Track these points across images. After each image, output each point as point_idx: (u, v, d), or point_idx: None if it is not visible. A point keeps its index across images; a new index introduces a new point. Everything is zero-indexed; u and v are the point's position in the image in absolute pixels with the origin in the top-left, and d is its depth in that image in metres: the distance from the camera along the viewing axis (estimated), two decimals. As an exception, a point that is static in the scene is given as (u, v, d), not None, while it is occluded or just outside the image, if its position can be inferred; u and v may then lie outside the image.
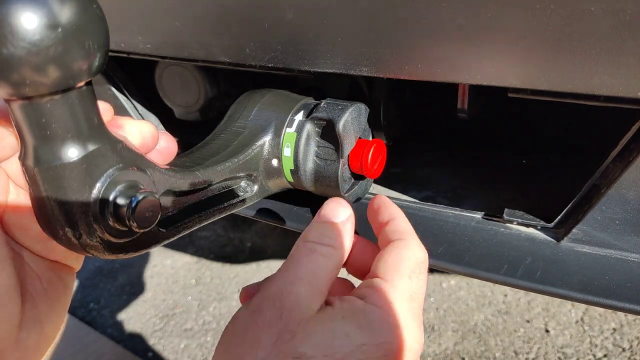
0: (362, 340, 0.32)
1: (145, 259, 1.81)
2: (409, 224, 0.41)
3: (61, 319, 0.38)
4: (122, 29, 0.56)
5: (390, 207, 0.43)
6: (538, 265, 0.50)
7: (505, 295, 1.49)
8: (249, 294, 0.39)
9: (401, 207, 0.62)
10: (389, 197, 0.63)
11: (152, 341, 1.47)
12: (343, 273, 0.40)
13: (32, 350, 0.35)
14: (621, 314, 1.37)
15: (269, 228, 1.85)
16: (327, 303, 0.35)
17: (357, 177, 0.54)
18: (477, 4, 0.37)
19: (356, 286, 0.38)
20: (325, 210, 0.40)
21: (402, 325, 0.33)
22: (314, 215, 0.64)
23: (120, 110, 0.77)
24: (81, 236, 0.31)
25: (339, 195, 0.51)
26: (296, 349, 0.31)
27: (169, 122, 0.81)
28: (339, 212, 0.40)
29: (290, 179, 0.52)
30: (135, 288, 1.69)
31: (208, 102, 0.71)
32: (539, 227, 0.53)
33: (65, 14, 0.25)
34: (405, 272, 0.36)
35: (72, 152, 0.29)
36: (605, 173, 0.45)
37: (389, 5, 0.40)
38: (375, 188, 0.68)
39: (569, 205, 0.49)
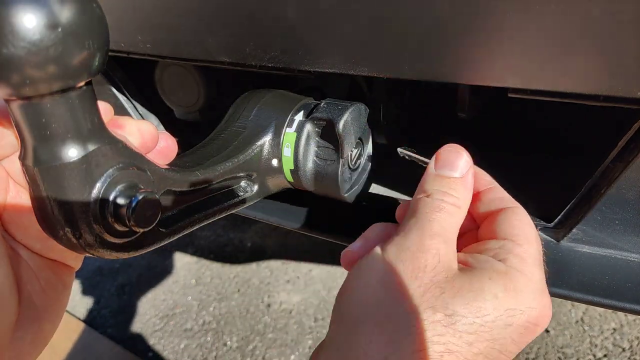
0: (509, 304, 0.32)
1: (145, 259, 1.81)
2: None
3: (58, 318, 0.38)
4: (122, 29, 0.56)
5: (485, 174, 0.42)
6: (538, 265, 0.50)
7: (505, 295, 1.48)
8: (353, 257, 0.39)
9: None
10: (387, 196, 0.63)
11: (152, 341, 1.47)
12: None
13: (27, 349, 0.35)
14: (621, 314, 1.37)
15: (269, 228, 1.85)
16: (462, 262, 0.35)
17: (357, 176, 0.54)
18: (476, 4, 0.37)
19: None
20: (445, 161, 0.39)
21: (542, 291, 0.34)
22: (313, 215, 0.64)
23: (120, 110, 0.77)
24: (81, 236, 0.31)
25: (339, 196, 0.51)
26: (448, 305, 0.31)
27: (169, 122, 0.81)
28: (460, 165, 0.39)
29: (290, 179, 0.52)
30: (135, 288, 1.69)
31: (208, 102, 0.71)
32: (539, 227, 0.53)
33: (65, 13, 0.25)
34: (533, 238, 0.36)
35: (72, 152, 0.29)
36: (605, 173, 0.45)
37: (388, 5, 0.40)
38: (376, 188, 0.68)
39: (569, 205, 0.49)
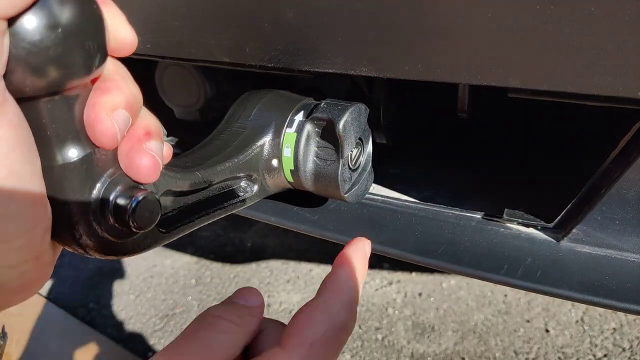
0: None
1: (145, 259, 1.81)
2: (357, 278, 0.35)
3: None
4: (122, 29, 0.56)
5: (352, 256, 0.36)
6: (538, 265, 0.50)
7: (505, 295, 1.48)
8: None
9: (401, 207, 0.62)
10: (388, 197, 0.63)
11: (152, 341, 1.47)
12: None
13: (49, 263, 0.31)
14: (621, 314, 1.37)
15: (269, 228, 1.85)
16: None
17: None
18: (477, 4, 0.37)
19: None
20: (237, 295, 0.38)
21: None
22: (313, 215, 0.64)
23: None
24: (81, 236, 0.31)
25: (339, 196, 0.51)
26: None
27: (169, 122, 0.81)
28: (250, 298, 0.37)
29: (291, 179, 0.52)
30: (135, 288, 1.69)
31: (208, 102, 0.71)
32: (539, 227, 0.53)
33: (66, 14, 0.25)
34: (308, 339, 0.31)
35: (72, 153, 0.29)
36: (605, 173, 0.45)
37: (388, 5, 0.40)
38: (376, 188, 0.68)
39: (569, 205, 0.49)
